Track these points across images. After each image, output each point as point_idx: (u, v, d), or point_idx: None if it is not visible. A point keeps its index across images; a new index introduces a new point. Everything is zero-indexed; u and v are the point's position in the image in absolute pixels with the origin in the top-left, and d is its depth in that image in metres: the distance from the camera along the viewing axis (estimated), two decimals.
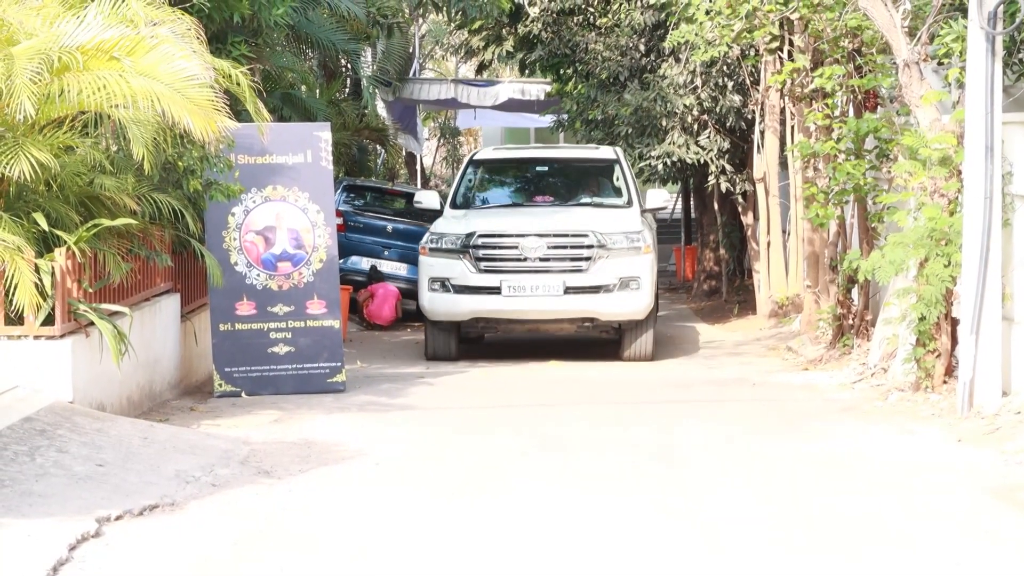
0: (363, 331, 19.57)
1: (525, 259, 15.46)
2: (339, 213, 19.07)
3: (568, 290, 15.41)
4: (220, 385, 13.00)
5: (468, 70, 37.99)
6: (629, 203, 16.84)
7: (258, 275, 13.24)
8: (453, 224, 16.11)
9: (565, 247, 15.51)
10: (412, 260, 20.83)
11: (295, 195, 13.38)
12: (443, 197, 17.71)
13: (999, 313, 11.47)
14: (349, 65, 23.54)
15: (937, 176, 12.22)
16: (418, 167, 32.60)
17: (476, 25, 24.42)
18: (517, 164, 18.56)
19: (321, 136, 13.55)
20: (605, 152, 18.03)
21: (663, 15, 19.84)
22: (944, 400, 11.91)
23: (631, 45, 21.55)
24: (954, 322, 12.14)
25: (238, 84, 11.52)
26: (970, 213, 11.48)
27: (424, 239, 16.19)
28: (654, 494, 8.95)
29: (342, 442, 10.63)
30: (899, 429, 11.15)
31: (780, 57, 17.59)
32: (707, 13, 16.32)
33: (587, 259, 15.48)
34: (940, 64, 13.37)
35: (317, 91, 21.24)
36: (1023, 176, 11.55)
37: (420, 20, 30.28)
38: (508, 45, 24.26)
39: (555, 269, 15.46)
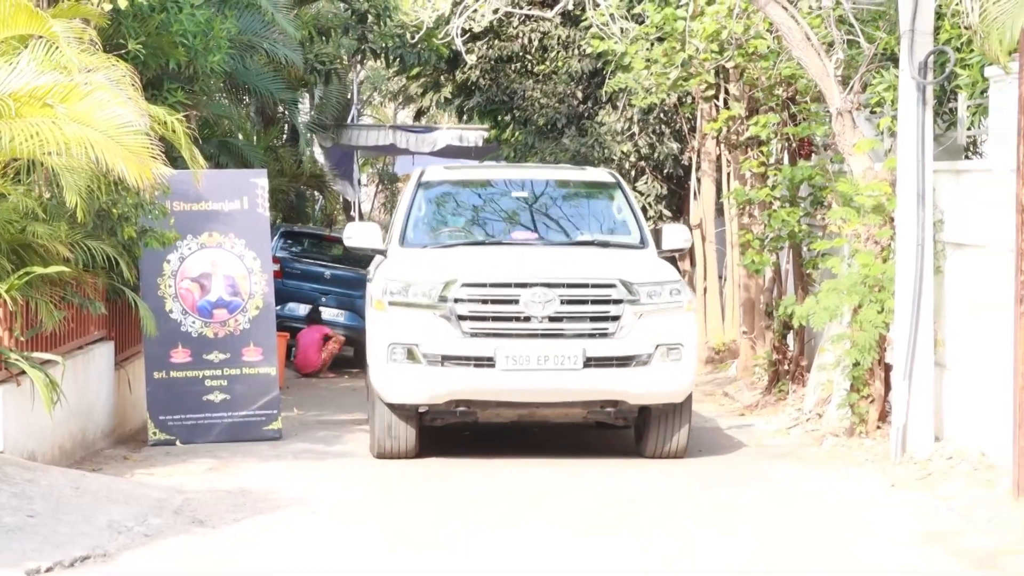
0: (300, 378, 19.49)
1: (529, 318, 11.36)
2: (276, 259, 19.00)
3: (589, 362, 11.36)
4: (154, 433, 12.89)
5: (406, 116, 38.06)
6: (642, 242, 12.84)
7: (193, 322, 13.16)
8: (419, 268, 11.85)
9: (585, 301, 11.48)
10: (351, 307, 20.87)
11: (231, 242, 13.32)
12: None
13: (931, 359, 11.57)
14: (286, 112, 23.51)
15: (870, 223, 12.33)
16: (354, 213, 32.56)
17: (414, 72, 24.50)
18: (483, 188, 13.98)
19: (257, 183, 13.52)
20: (599, 174, 14.25)
21: (600, 63, 19.95)
22: (878, 445, 11.98)
23: (568, 92, 21.66)
24: (887, 368, 12.23)
25: (174, 131, 11.47)
26: (903, 260, 11.59)
27: (378, 287, 11.92)
28: (604, 535, 8.97)
29: (278, 490, 10.56)
30: (834, 474, 11.21)
31: (716, 105, 17.74)
32: (645, 61, 16.43)
33: (614, 319, 11.45)
34: (873, 113, 13.53)
35: (254, 137, 21.21)
36: (954, 224, 11.68)
37: (358, 67, 30.30)
38: (446, 92, 24.32)
39: (570, 332, 11.43)
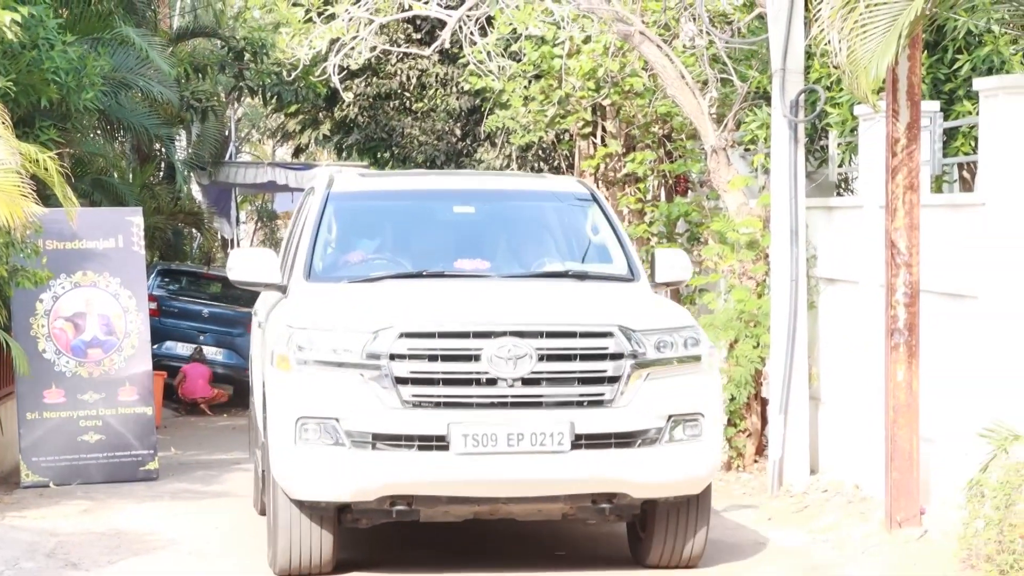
0: (178, 417, 19.27)
1: (495, 381, 8.25)
2: (153, 298, 18.83)
3: (579, 440, 8.23)
4: (27, 475, 12.67)
5: (285, 153, 37.85)
6: (631, 273, 9.78)
7: (67, 362, 12.97)
8: (338, 312, 8.76)
9: (572, 356, 8.36)
10: (230, 345, 20.76)
11: (106, 280, 13.17)
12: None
13: (806, 393, 11.72)
14: (163, 149, 23.32)
15: (745, 259, 12.50)
16: (231, 250, 32.37)
17: (292, 109, 24.44)
18: (414, 201, 10.50)
19: (133, 221, 13.38)
20: (566, 184, 11.15)
21: (478, 100, 20.05)
22: (755, 479, 12.11)
23: (447, 129, 21.76)
24: (764, 402, 12.38)
25: (46, 169, 11.33)
26: (777, 296, 11.75)
27: (279, 337, 8.65)
28: None
29: (154, 531, 10.45)
30: (712, 509, 11.27)
31: (593, 142, 17.85)
32: (523, 99, 16.53)
33: (612, 380, 8.35)
34: (747, 150, 13.72)
35: (130, 175, 21.00)
36: (827, 259, 11.86)
37: (236, 104, 30.14)
38: (325, 129, 24.30)
39: (552, 399, 8.32)
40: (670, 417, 8.41)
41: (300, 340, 8.38)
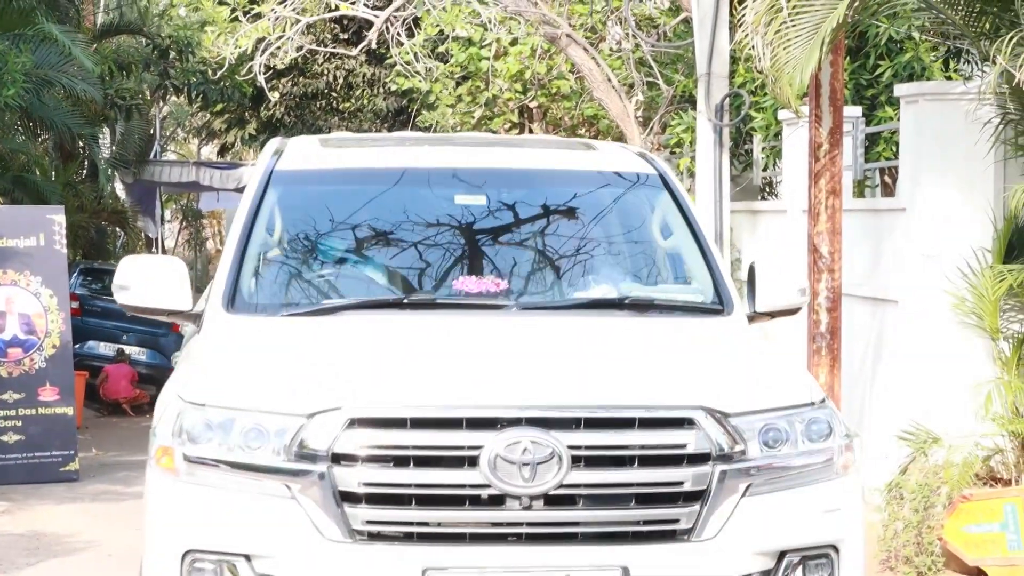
0: (99, 418, 19.11)
1: (502, 499, 4.86)
2: (75, 297, 18.67)
3: None
4: None
5: (211, 152, 37.68)
6: (720, 300, 6.33)
7: None
8: (259, 371, 5.33)
9: (626, 460, 4.95)
10: (152, 345, 20.62)
11: (27, 279, 13.05)
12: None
13: None
14: (86, 147, 23.15)
15: None
16: (156, 250, 32.12)
17: (218, 108, 24.33)
18: (398, 187, 6.72)
19: (54, 219, 13.26)
20: (623, 159, 7.16)
21: (405, 101, 20.03)
22: None
23: (374, 130, 21.70)
24: None
25: None
26: None
27: (164, 415, 5.34)
28: None
29: (74, 533, 10.36)
30: None
31: None
32: (452, 99, 16.54)
33: (690, 498, 4.97)
34: (672, 153, 13.79)
35: (52, 173, 20.82)
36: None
37: (161, 102, 29.96)
38: (251, 128, 24.21)
39: (592, 529, 4.95)
40: (783, 554, 5.19)
41: (192, 424, 5.12)
